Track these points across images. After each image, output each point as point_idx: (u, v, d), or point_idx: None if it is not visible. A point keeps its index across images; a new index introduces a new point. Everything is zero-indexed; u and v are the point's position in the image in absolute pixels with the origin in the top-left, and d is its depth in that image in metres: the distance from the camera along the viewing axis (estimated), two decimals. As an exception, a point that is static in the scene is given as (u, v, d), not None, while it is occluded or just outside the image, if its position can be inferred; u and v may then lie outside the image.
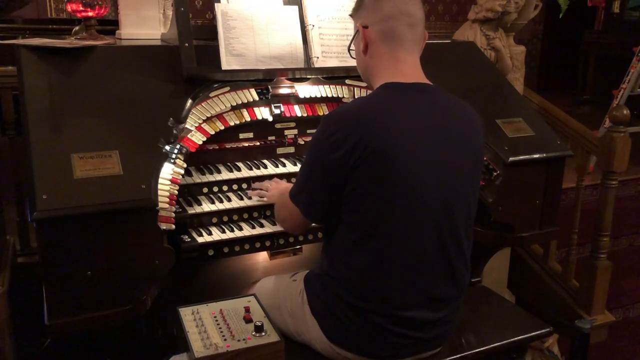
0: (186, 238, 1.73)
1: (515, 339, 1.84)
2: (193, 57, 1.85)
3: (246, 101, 1.93)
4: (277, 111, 1.98)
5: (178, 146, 1.71)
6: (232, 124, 1.90)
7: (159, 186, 1.59)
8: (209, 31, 2.04)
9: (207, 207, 1.82)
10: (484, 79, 2.39)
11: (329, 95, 2.06)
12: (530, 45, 6.66)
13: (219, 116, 1.88)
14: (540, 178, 2.11)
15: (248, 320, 1.54)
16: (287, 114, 2.01)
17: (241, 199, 1.89)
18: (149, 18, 2.29)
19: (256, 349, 1.46)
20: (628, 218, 3.91)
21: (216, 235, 1.77)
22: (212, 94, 1.88)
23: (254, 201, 1.88)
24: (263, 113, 1.97)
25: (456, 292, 1.61)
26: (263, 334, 1.49)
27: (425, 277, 1.53)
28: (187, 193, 1.86)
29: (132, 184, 1.53)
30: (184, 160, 1.71)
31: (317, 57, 2.05)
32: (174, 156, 1.68)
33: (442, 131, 1.51)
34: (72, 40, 1.94)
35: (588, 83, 6.43)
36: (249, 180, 1.95)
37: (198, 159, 1.94)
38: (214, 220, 1.84)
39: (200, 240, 1.73)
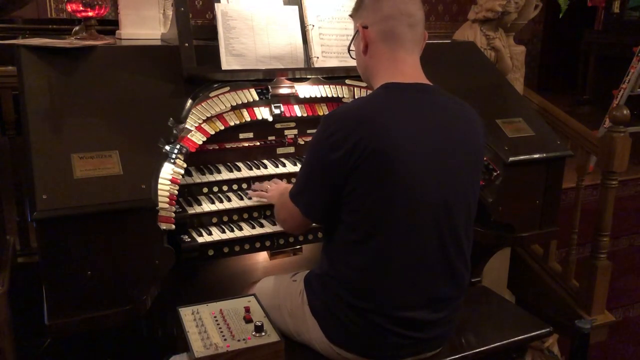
0: (186, 238, 1.73)
1: (515, 339, 1.84)
2: (193, 57, 1.85)
3: (246, 101, 1.93)
4: (277, 111, 1.99)
5: (178, 146, 1.71)
6: (232, 124, 1.90)
7: (159, 186, 1.59)
8: (209, 31, 2.04)
9: (207, 207, 1.82)
10: (484, 79, 2.39)
11: (329, 95, 2.06)
12: (530, 45, 6.66)
13: (219, 116, 1.88)
14: (540, 178, 2.11)
15: (248, 320, 1.54)
16: (287, 114, 2.01)
17: (241, 199, 1.89)
18: (149, 18, 2.29)
19: (256, 349, 1.46)
20: (628, 218, 3.91)
21: (216, 235, 1.77)
22: (212, 94, 1.88)
23: (254, 201, 1.88)
24: (263, 113, 1.97)
25: (456, 292, 1.61)
26: (263, 334, 1.49)
27: (425, 277, 1.53)
28: (187, 193, 1.86)
29: (132, 184, 1.53)
30: (184, 160, 1.71)
31: (317, 57, 2.05)
32: (174, 156, 1.68)
33: (442, 131, 1.51)
34: (72, 40, 1.94)
35: (588, 83, 6.43)
36: (249, 180, 1.95)
37: (198, 159, 1.94)
38: (214, 220, 1.84)
39: (200, 240, 1.73)
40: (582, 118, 3.44)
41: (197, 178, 1.88)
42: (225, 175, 1.92)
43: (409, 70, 1.57)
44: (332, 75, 2.08)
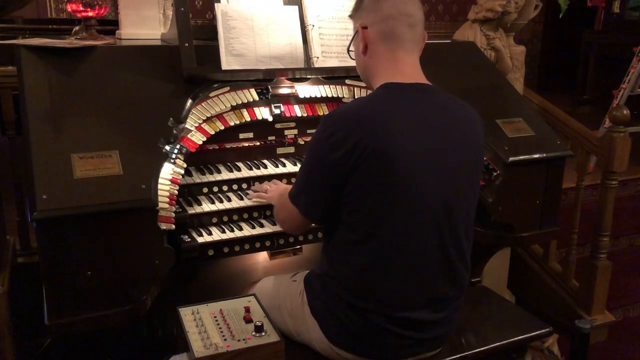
0: (186, 238, 1.73)
1: (515, 339, 1.84)
2: (193, 57, 1.85)
3: (246, 101, 1.93)
4: (277, 111, 1.99)
5: (178, 146, 1.71)
6: (232, 124, 1.90)
7: (159, 186, 1.59)
8: (209, 31, 2.04)
9: (207, 207, 1.82)
10: (484, 79, 2.39)
11: (329, 95, 2.06)
12: (530, 45, 6.65)
13: (219, 116, 1.88)
14: (540, 178, 2.11)
15: (248, 320, 1.55)
16: (287, 114, 2.01)
17: (241, 199, 1.89)
18: (149, 18, 2.29)
19: (256, 349, 1.46)
20: (628, 218, 3.91)
21: (216, 235, 1.77)
22: (212, 94, 1.88)
23: (254, 201, 1.88)
24: (263, 113, 1.97)
25: (456, 292, 1.61)
26: (263, 334, 1.49)
27: (425, 277, 1.53)
28: (187, 193, 1.86)
29: (132, 184, 1.53)
30: (184, 160, 1.71)
31: (317, 57, 2.05)
32: (174, 156, 1.68)
33: (442, 131, 1.51)
34: (72, 40, 1.94)
35: (588, 83, 6.43)
36: (249, 180, 1.95)
37: (198, 159, 1.94)
38: (214, 220, 1.84)
39: (200, 240, 1.74)
40: (582, 118, 3.44)
41: (197, 178, 1.88)
42: (225, 175, 1.92)
43: (408, 70, 1.57)
44: (332, 75, 2.08)
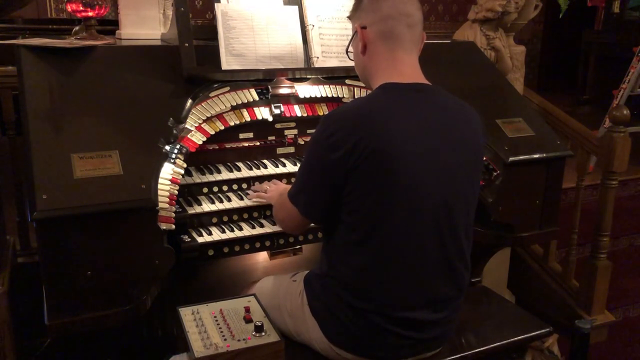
0: (186, 238, 1.73)
1: (515, 339, 1.84)
2: (193, 57, 1.85)
3: (246, 101, 1.93)
4: (277, 111, 1.99)
5: (178, 146, 1.71)
6: (232, 124, 1.90)
7: (159, 186, 1.59)
8: (209, 31, 2.04)
9: (207, 207, 1.82)
10: (484, 79, 2.39)
11: (329, 95, 2.06)
12: (530, 45, 6.66)
13: (219, 116, 1.88)
14: (540, 178, 2.11)
15: (248, 320, 1.55)
16: (287, 114, 2.01)
17: (241, 199, 1.89)
18: (149, 18, 2.29)
19: (256, 349, 1.46)
20: (628, 218, 3.91)
21: (216, 235, 1.77)
22: (212, 94, 1.88)
23: (253, 201, 1.88)
24: (263, 113, 1.97)
25: (456, 293, 1.61)
26: (263, 334, 1.49)
27: (425, 277, 1.53)
28: (187, 193, 1.86)
29: (132, 184, 1.53)
30: (184, 160, 1.71)
31: (317, 57, 2.05)
32: (174, 156, 1.68)
33: (441, 131, 1.51)
34: (72, 40, 1.94)
35: (588, 83, 6.43)
36: (249, 180, 1.95)
37: (198, 159, 1.94)
38: (214, 220, 1.84)
39: (200, 240, 1.73)
40: (582, 118, 3.44)
41: (197, 178, 1.88)
42: (225, 175, 1.92)
43: (407, 70, 1.57)
44: (332, 75, 2.08)
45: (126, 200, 1.50)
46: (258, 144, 2.06)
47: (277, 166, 2.01)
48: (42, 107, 1.63)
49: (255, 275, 2.19)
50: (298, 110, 2.04)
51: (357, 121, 1.45)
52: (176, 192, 1.65)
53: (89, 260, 1.47)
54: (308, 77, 2.06)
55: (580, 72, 6.56)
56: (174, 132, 1.72)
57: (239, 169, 1.97)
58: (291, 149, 2.11)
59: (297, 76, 2.04)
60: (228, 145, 2.01)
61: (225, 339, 1.47)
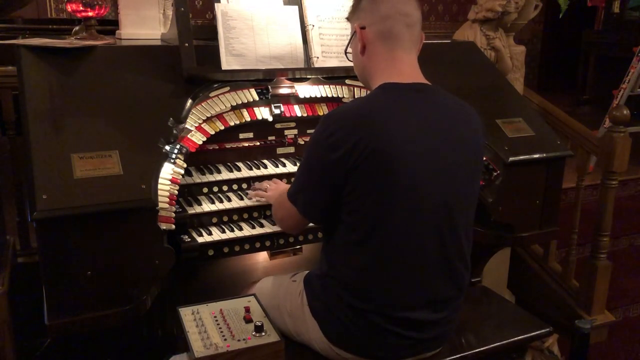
0: (186, 238, 1.73)
1: (515, 339, 1.84)
2: (193, 57, 1.85)
3: (246, 101, 1.93)
4: (277, 111, 1.99)
5: (178, 146, 1.71)
6: (232, 124, 1.90)
7: (159, 186, 1.59)
8: (209, 31, 2.04)
9: (207, 207, 1.82)
10: (484, 79, 2.39)
11: (329, 95, 2.06)
12: (530, 45, 6.66)
13: (219, 116, 1.88)
14: (540, 178, 2.11)
15: (248, 320, 1.55)
16: (287, 114, 2.01)
17: (241, 199, 1.89)
18: (149, 18, 2.29)
19: (256, 349, 1.46)
20: (628, 218, 3.91)
21: (216, 235, 1.77)
22: (212, 94, 1.88)
23: (254, 201, 1.88)
24: (263, 113, 1.97)
25: (456, 293, 1.61)
26: (263, 334, 1.49)
27: (425, 278, 1.53)
28: (187, 193, 1.86)
29: (132, 184, 1.53)
30: (184, 160, 1.71)
31: (317, 57, 2.05)
32: (174, 156, 1.68)
33: (441, 131, 1.51)
34: (72, 40, 1.94)
35: (588, 83, 6.43)
36: (249, 180, 1.95)
37: (198, 159, 1.94)
38: (214, 220, 1.84)
39: (200, 240, 1.73)
40: (582, 118, 3.44)
41: (197, 178, 1.88)
42: (225, 175, 1.92)
43: (407, 69, 1.57)
44: (332, 75, 2.08)
45: (126, 200, 1.50)
46: (258, 144, 2.06)
47: (277, 166, 2.01)
48: (42, 107, 1.63)
49: (255, 275, 2.19)
50: (298, 110, 2.04)
51: (357, 121, 1.45)
52: (176, 192, 1.65)
53: (89, 260, 1.47)
54: (308, 77, 2.06)
55: (580, 72, 6.56)
56: (174, 132, 1.72)
57: (239, 169, 1.97)
58: (291, 149, 2.11)
59: (297, 76, 2.04)
60: (228, 145, 2.01)
61: (225, 339, 1.47)
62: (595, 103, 6.05)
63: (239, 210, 1.87)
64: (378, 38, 1.56)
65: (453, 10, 6.59)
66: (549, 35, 7.10)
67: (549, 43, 7.13)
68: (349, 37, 1.71)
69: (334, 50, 2.08)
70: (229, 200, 1.87)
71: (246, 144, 2.04)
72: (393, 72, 1.55)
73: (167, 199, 1.61)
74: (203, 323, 1.53)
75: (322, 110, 2.06)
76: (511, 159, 2.01)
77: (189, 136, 1.78)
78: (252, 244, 1.84)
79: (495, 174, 2.05)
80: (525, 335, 1.86)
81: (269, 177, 1.97)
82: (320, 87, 2.05)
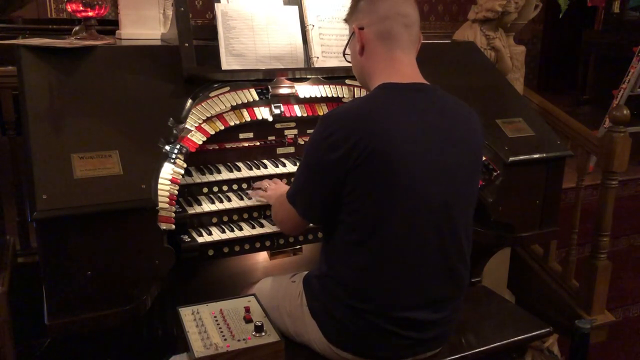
0: (186, 238, 1.73)
1: (515, 339, 1.84)
2: (193, 57, 1.85)
3: (246, 101, 1.93)
4: (277, 111, 1.99)
5: (178, 146, 1.71)
6: (232, 124, 1.90)
7: (159, 186, 1.59)
8: (209, 31, 2.05)
9: (207, 207, 1.82)
10: (484, 79, 2.39)
11: (329, 95, 2.06)
12: (530, 45, 6.65)
13: (219, 116, 1.88)
14: (540, 178, 2.11)
15: (248, 320, 1.55)
16: (287, 114, 2.01)
17: (241, 199, 1.89)
18: (149, 18, 2.30)
19: (256, 349, 1.46)
20: (628, 218, 3.91)
21: (216, 235, 1.77)
22: (212, 94, 1.88)
23: (254, 201, 1.88)
24: (263, 113, 1.97)
25: (456, 293, 1.61)
26: (263, 334, 1.49)
27: (424, 278, 1.53)
28: (187, 193, 1.86)
29: (132, 184, 1.53)
30: (184, 160, 1.71)
31: (317, 57, 2.05)
32: (174, 156, 1.68)
33: (440, 131, 1.51)
34: (72, 40, 1.94)
35: (588, 83, 6.43)
36: (249, 180, 1.95)
37: (198, 159, 1.94)
38: (214, 220, 1.84)
39: (200, 240, 1.73)
40: (582, 118, 3.44)
41: (197, 178, 1.88)
42: (225, 175, 1.92)
43: (406, 69, 1.57)
44: (332, 75, 2.08)
45: (126, 200, 1.50)
46: (258, 144, 2.06)
47: (277, 166, 2.01)
48: (42, 107, 1.63)
49: (255, 275, 2.19)
50: (298, 110, 2.04)
51: (356, 121, 1.45)
52: (176, 192, 1.65)
53: (89, 260, 1.47)
54: (308, 77, 2.06)
55: (580, 72, 6.55)
56: (174, 132, 1.72)
57: (239, 169, 1.97)
58: (291, 149, 2.11)
59: (297, 76, 2.04)
60: (228, 145, 2.01)
61: (225, 339, 1.47)
62: (595, 103, 6.04)
63: (239, 210, 1.87)
64: (377, 38, 1.56)
65: (453, 10, 6.58)
66: (549, 35, 7.09)
67: (549, 43, 7.13)
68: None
69: (334, 50, 2.08)
70: (229, 200, 1.87)
71: (246, 144, 2.04)
72: (392, 72, 1.55)
73: (167, 199, 1.61)
74: (203, 323, 1.53)
75: (322, 110, 2.06)
76: (511, 159, 2.01)
77: (189, 136, 1.78)
78: (252, 244, 1.84)
79: (495, 174, 2.05)
80: (525, 335, 1.86)
81: (269, 177, 1.97)
82: (320, 87, 2.06)
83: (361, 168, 1.42)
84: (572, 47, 6.82)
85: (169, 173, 1.65)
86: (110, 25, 2.96)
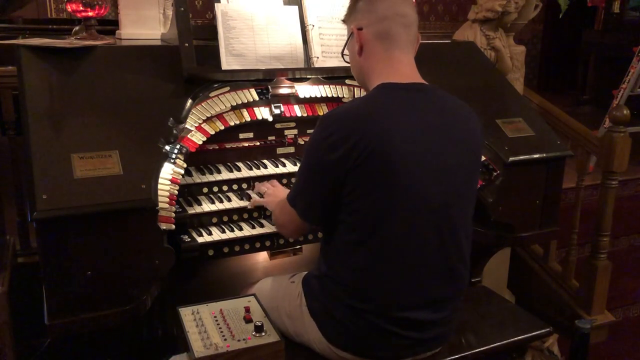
0: (186, 238, 1.73)
1: (515, 339, 1.84)
2: (193, 57, 1.85)
3: (246, 101, 1.93)
4: (277, 111, 1.99)
5: (178, 146, 1.71)
6: (232, 124, 1.90)
7: (159, 186, 1.59)
8: (209, 31, 2.04)
9: (207, 207, 1.82)
10: (484, 79, 2.39)
11: (329, 95, 2.06)
12: (530, 45, 6.65)
13: (219, 116, 1.88)
14: (540, 178, 2.11)
15: (248, 320, 1.55)
16: (287, 114, 2.01)
17: (241, 199, 1.89)
18: (149, 18, 2.30)
19: (256, 349, 1.46)
20: (628, 218, 3.91)
21: (216, 235, 1.77)
22: (212, 94, 1.88)
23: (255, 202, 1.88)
24: (263, 113, 1.97)
25: (455, 293, 1.61)
26: (263, 334, 1.50)
27: (424, 278, 1.53)
28: (187, 193, 1.86)
29: (132, 184, 1.53)
30: (184, 160, 1.71)
31: (317, 57, 2.05)
32: (174, 156, 1.68)
33: (440, 131, 1.51)
34: (72, 40, 1.94)
35: (588, 83, 6.42)
36: (249, 180, 1.95)
37: (198, 159, 1.94)
38: (214, 220, 1.84)
39: (200, 240, 1.73)
40: (582, 118, 3.43)
41: (197, 178, 1.88)
42: (225, 175, 1.92)
43: (405, 70, 1.57)
44: (332, 75, 2.08)
45: (126, 200, 1.50)
46: (258, 144, 2.06)
47: (277, 166, 2.01)
48: (42, 107, 1.63)
49: (255, 276, 2.19)
50: (298, 110, 2.04)
51: (356, 121, 1.45)
52: (176, 192, 1.65)
53: (89, 260, 1.47)
54: (308, 77, 2.06)
55: (580, 72, 6.55)
56: (174, 132, 1.72)
57: (239, 169, 1.97)
58: (291, 149, 2.11)
59: (297, 76, 2.04)
60: (228, 145, 2.01)
61: (225, 339, 1.47)
62: (595, 103, 6.04)
63: (239, 210, 1.87)
64: (375, 39, 1.56)
65: (453, 10, 6.58)
66: (549, 35, 7.08)
67: (549, 43, 7.12)
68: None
69: (334, 50, 2.07)
70: (229, 200, 1.87)
71: (246, 144, 2.04)
72: (391, 72, 1.55)
73: (167, 199, 1.61)
74: (203, 323, 1.53)
75: (322, 110, 2.06)
76: (511, 159, 2.01)
77: (189, 136, 1.78)
78: (252, 244, 1.84)
79: (495, 174, 2.05)
80: (525, 335, 1.86)
81: (269, 177, 1.97)
82: (320, 87, 2.05)
83: (361, 168, 1.42)
84: (572, 47, 6.81)
85: (169, 173, 1.65)
86: (110, 25, 2.96)
